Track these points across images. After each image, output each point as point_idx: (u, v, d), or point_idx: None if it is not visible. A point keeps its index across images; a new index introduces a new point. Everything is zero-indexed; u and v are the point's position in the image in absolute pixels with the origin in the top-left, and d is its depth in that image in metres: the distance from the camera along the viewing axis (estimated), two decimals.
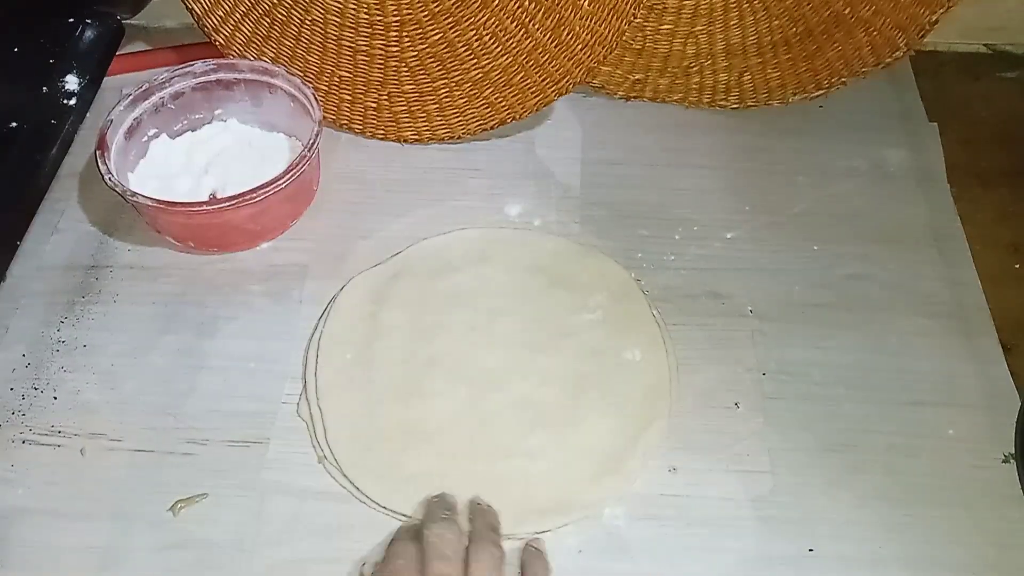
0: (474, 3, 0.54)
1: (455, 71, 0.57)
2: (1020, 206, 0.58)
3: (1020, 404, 0.48)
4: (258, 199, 0.50)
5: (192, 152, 0.58)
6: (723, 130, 0.62)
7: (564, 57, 0.55)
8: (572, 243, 0.55)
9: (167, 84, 0.56)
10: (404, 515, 0.44)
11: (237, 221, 0.52)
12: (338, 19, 0.57)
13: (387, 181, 0.59)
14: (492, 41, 0.56)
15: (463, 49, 0.56)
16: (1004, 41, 0.68)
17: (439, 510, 0.42)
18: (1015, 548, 0.43)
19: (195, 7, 0.58)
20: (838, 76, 0.60)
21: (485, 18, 0.55)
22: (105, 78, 0.61)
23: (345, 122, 0.61)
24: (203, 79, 0.57)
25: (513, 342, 0.50)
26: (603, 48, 0.54)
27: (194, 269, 0.54)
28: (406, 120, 0.60)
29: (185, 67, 0.57)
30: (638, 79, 0.62)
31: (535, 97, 0.57)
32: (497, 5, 0.54)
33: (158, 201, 0.50)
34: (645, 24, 0.59)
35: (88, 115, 0.59)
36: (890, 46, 0.58)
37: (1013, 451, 0.46)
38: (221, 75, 0.57)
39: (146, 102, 0.56)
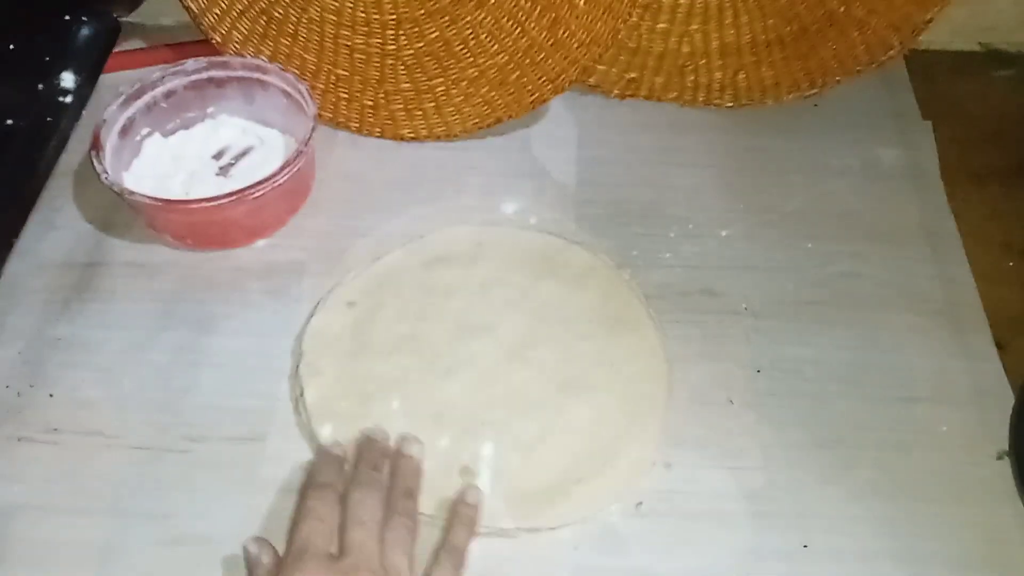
0: (471, 1, 0.54)
1: (452, 69, 0.58)
2: (1013, 204, 0.59)
3: (1013, 401, 0.48)
4: (256, 195, 0.51)
5: (185, 150, 0.58)
6: (718, 129, 0.62)
7: (560, 55, 0.55)
8: (567, 241, 0.55)
9: (159, 83, 0.56)
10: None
11: (235, 217, 0.53)
12: (335, 17, 0.57)
13: (384, 179, 0.59)
14: (489, 39, 0.56)
15: (460, 47, 0.56)
16: (997, 40, 0.69)
17: (366, 469, 0.42)
18: (1007, 544, 0.44)
19: (192, 5, 0.58)
20: (832, 75, 0.61)
21: (482, 16, 0.55)
22: (101, 76, 0.61)
23: (342, 120, 0.61)
24: (195, 77, 0.57)
25: (507, 338, 0.50)
26: (599, 47, 0.54)
27: (192, 266, 0.54)
28: (403, 118, 0.60)
29: (177, 66, 0.57)
30: (633, 78, 0.62)
31: (531, 95, 0.57)
32: (494, 3, 0.54)
33: (156, 199, 0.50)
34: (640, 23, 0.59)
35: (84, 113, 0.59)
36: (884, 45, 0.58)
37: (1007, 448, 0.46)
38: (213, 73, 0.57)
39: (139, 101, 0.56)
